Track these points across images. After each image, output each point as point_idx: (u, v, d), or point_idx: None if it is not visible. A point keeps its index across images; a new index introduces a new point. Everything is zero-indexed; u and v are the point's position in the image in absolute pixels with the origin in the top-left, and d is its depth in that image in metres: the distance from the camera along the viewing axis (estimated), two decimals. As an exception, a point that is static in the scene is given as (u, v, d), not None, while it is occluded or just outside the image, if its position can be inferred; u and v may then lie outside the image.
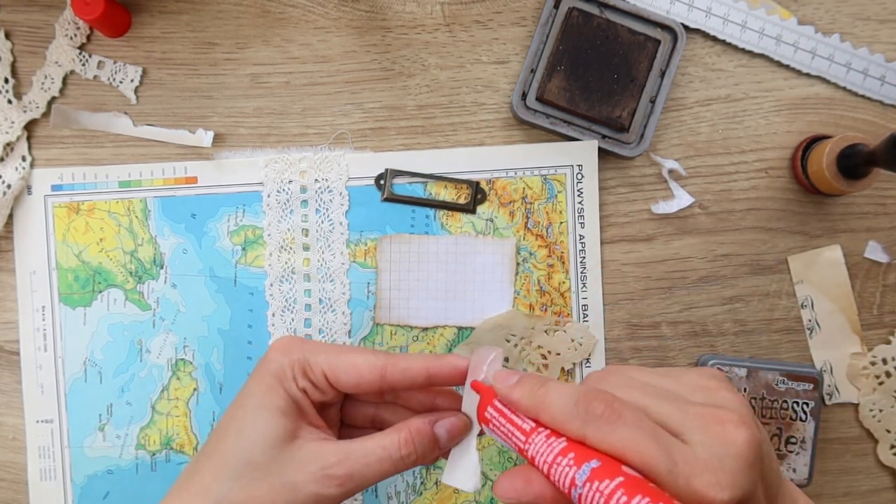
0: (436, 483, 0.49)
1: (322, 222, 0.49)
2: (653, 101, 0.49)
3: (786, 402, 0.48)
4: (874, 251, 0.50)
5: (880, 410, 0.49)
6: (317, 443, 0.34)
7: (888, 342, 0.50)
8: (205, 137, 0.49)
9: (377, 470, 0.34)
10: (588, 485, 0.25)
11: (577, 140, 0.49)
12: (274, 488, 0.33)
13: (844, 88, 0.50)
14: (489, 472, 0.50)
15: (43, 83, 0.49)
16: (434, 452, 0.35)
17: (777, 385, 0.48)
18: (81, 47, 0.49)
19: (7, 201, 0.49)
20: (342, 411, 0.39)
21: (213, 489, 0.33)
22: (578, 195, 0.49)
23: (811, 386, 0.48)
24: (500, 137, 0.50)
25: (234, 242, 0.49)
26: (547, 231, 0.50)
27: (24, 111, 0.49)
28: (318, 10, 0.50)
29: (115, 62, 0.49)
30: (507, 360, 0.49)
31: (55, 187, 0.49)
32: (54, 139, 0.49)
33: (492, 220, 0.50)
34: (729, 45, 0.50)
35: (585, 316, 0.49)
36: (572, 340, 0.49)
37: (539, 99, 0.48)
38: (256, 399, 0.35)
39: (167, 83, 0.50)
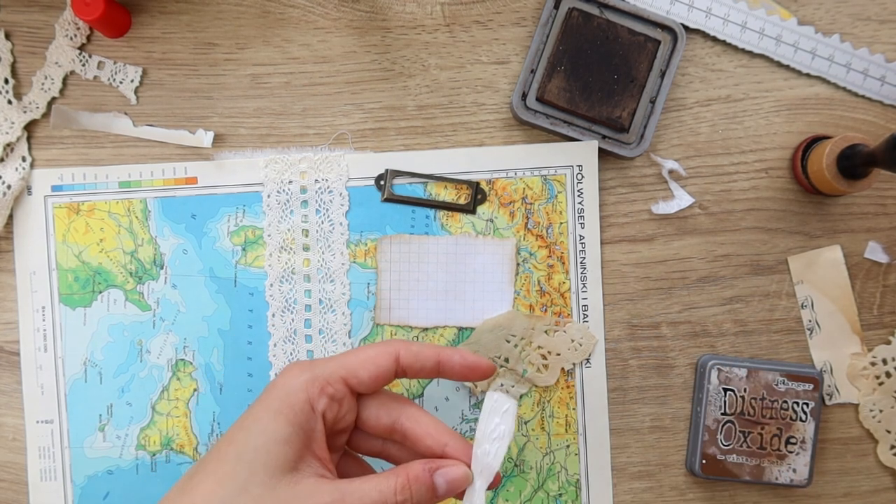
0: (436, 483, 0.49)
1: (322, 223, 0.49)
2: (653, 102, 0.49)
3: (786, 402, 0.48)
4: (874, 251, 0.50)
5: (880, 411, 0.49)
6: (313, 479, 0.34)
7: (888, 342, 0.50)
8: (205, 138, 0.49)
9: None
10: None
11: (577, 140, 0.49)
12: None
13: (844, 89, 0.50)
14: None
15: (43, 84, 0.49)
16: (431, 501, 0.35)
17: (777, 385, 0.48)
18: (81, 48, 0.49)
19: (7, 202, 0.49)
20: (349, 444, 0.39)
21: None
22: (578, 195, 0.49)
23: (811, 386, 0.48)
24: (500, 138, 0.50)
25: (234, 243, 0.49)
26: (547, 231, 0.50)
27: (24, 112, 0.49)
28: (318, 11, 0.50)
29: (115, 62, 0.49)
30: (507, 360, 0.49)
31: (55, 188, 0.49)
32: (54, 139, 0.49)
33: (492, 221, 0.50)
34: (729, 45, 0.50)
35: (585, 316, 0.49)
36: (572, 341, 0.49)
37: (539, 99, 0.48)
38: (261, 424, 0.34)
39: (167, 83, 0.50)
